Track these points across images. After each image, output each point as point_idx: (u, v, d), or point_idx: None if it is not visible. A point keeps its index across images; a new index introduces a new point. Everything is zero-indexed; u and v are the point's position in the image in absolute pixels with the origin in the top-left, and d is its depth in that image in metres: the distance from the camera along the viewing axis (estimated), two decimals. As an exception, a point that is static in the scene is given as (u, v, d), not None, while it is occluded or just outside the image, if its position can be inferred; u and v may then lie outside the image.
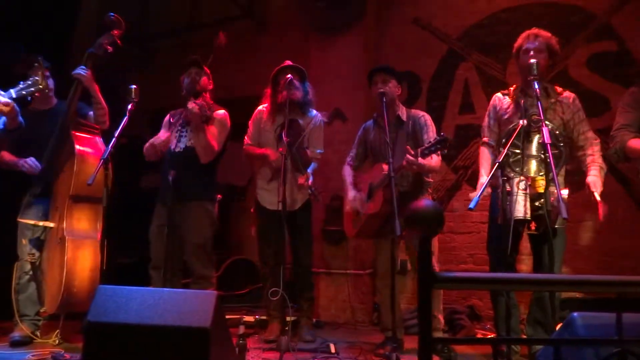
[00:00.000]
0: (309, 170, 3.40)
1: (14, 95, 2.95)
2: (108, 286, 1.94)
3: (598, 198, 2.62)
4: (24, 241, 3.19)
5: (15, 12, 4.30)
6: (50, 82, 3.32)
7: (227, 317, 3.82)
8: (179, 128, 3.35)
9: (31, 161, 3.18)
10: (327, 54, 4.64)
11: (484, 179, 2.91)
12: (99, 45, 3.22)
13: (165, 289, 1.94)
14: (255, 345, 3.17)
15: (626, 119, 2.79)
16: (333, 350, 3.04)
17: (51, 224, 3.11)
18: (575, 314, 1.72)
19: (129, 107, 2.93)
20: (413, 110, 3.33)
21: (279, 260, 3.17)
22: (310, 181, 3.31)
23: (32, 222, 3.17)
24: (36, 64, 3.05)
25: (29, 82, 2.97)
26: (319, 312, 4.25)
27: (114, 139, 2.77)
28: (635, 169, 2.85)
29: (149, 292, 1.92)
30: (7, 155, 3.28)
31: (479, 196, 2.37)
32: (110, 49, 3.24)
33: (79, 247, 2.98)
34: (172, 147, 3.31)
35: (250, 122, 3.59)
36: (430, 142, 2.79)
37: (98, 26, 5.27)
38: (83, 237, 3.02)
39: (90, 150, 3.13)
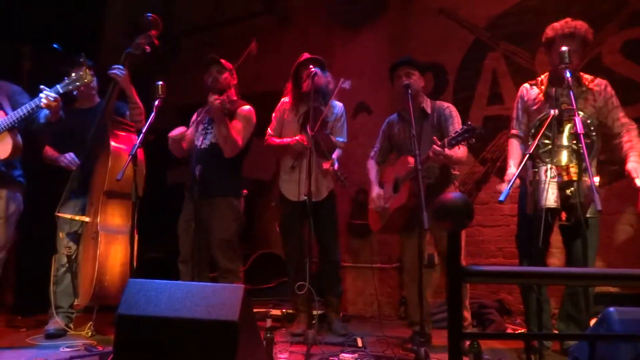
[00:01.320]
0: (334, 157, 3.38)
1: (60, 90, 3.03)
2: (138, 280, 1.97)
3: (639, 184, 2.53)
4: (61, 235, 3.28)
5: (41, 13, 4.39)
6: (94, 81, 3.42)
7: (255, 310, 3.89)
8: (205, 125, 3.39)
9: (70, 156, 3.30)
10: (351, 48, 4.61)
11: (512, 169, 2.85)
12: (137, 45, 3.27)
13: (194, 282, 1.96)
14: (283, 338, 3.18)
15: None
16: (360, 344, 3.03)
17: (87, 219, 3.19)
18: (611, 308, 1.67)
19: (156, 103, 2.94)
20: (438, 102, 3.27)
21: (304, 254, 3.17)
22: (336, 166, 3.29)
23: (69, 216, 3.25)
24: (81, 60, 3.14)
25: (74, 77, 3.05)
26: (346, 306, 4.25)
27: (141, 135, 2.80)
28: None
29: (178, 286, 1.93)
30: (50, 151, 3.42)
31: (509, 188, 2.32)
32: (148, 49, 3.29)
33: (111, 242, 3.04)
34: (198, 144, 3.32)
35: (273, 114, 3.60)
36: (457, 131, 2.74)
37: (125, 25, 5.39)
38: (115, 232, 3.07)
39: (125, 147, 3.20)
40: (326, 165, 3.31)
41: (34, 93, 3.05)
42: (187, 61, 5.64)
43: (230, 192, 3.35)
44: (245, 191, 3.53)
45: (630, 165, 2.63)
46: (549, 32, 2.83)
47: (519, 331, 3.42)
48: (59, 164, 3.32)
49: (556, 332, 2.90)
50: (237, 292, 1.86)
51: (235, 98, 3.43)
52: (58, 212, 3.28)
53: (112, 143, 3.14)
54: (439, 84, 4.50)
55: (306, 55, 3.52)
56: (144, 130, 2.85)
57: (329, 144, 3.39)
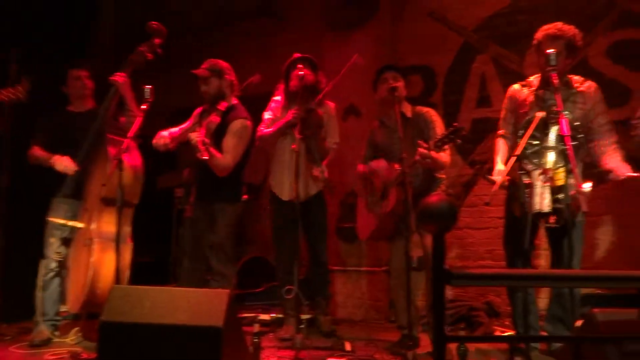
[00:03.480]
0: (324, 164, 3.38)
1: None
2: (122, 286, 1.96)
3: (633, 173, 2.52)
4: (52, 240, 3.24)
5: (32, 16, 4.35)
6: (89, 84, 3.39)
7: (243, 315, 3.88)
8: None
9: (67, 161, 3.21)
10: (342, 50, 4.60)
11: (500, 166, 2.86)
12: (139, 52, 3.25)
13: (178, 288, 1.94)
14: (271, 343, 3.17)
15: None
16: (348, 348, 3.02)
17: (80, 225, 3.15)
18: (595, 310, 1.68)
19: (143, 107, 2.93)
20: (417, 107, 3.28)
21: (293, 257, 3.16)
22: (325, 173, 3.29)
23: (61, 221, 3.21)
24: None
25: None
26: (335, 309, 4.24)
27: (127, 139, 2.78)
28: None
29: (162, 292, 1.92)
30: (39, 151, 3.32)
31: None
32: (150, 56, 3.27)
33: (105, 249, 2.99)
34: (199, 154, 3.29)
35: (264, 112, 3.58)
36: (444, 133, 2.75)
37: (119, 26, 5.35)
38: (110, 239, 3.03)
39: (124, 153, 3.16)
40: (316, 172, 3.31)
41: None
42: (180, 63, 5.60)
43: (226, 198, 3.30)
44: (245, 196, 3.50)
45: (615, 163, 2.64)
46: (538, 34, 2.84)
47: (507, 333, 3.42)
48: (52, 166, 3.24)
49: (544, 333, 2.91)
50: (222, 297, 1.85)
51: (235, 102, 3.37)
52: (50, 217, 3.24)
53: (111, 149, 3.10)
54: (428, 87, 4.51)
55: (297, 55, 3.51)
56: (130, 134, 2.84)
57: (322, 150, 3.39)
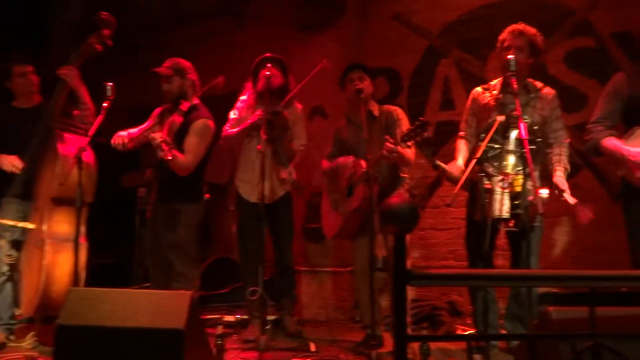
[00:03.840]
0: (291, 165, 3.38)
1: None
2: (79, 288, 1.91)
3: (570, 200, 2.62)
4: (2, 242, 3.12)
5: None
6: (35, 80, 3.27)
7: (208, 317, 3.84)
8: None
9: (12, 159, 3.10)
10: (308, 51, 4.61)
11: (460, 161, 2.92)
12: (88, 44, 3.16)
13: (138, 289, 1.90)
14: (235, 345, 3.14)
15: (604, 111, 2.81)
16: (313, 348, 3.03)
17: (31, 226, 3.05)
18: (550, 308, 1.73)
19: (104, 104, 2.87)
20: (385, 106, 3.33)
21: (258, 258, 3.15)
22: (293, 175, 3.30)
23: (11, 222, 3.09)
24: None
25: None
26: (301, 310, 4.24)
27: (87, 138, 2.71)
28: (611, 164, 2.89)
29: (121, 294, 1.88)
30: None
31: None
32: (100, 48, 3.17)
33: (58, 250, 2.92)
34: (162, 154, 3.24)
35: (230, 112, 3.55)
36: (410, 127, 2.80)
37: (78, 22, 5.20)
38: (63, 240, 2.96)
39: (74, 151, 3.06)
40: (284, 174, 3.30)
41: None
42: (142, 61, 5.50)
43: (189, 198, 3.27)
44: (207, 195, 3.46)
45: (557, 179, 2.76)
46: (503, 34, 2.91)
47: (468, 331, 3.50)
48: None
49: (504, 331, 2.99)
50: (183, 299, 1.83)
51: (196, 102, 3.32)
52: None
53: (61, 147, 3.01)
54: (393, 89, 4.57)
55: (267, 54, 3.50)
56: (90, 133, 2.77)
57: (289, 153, 3.38)
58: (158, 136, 3.05)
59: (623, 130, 2.80)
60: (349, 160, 3.19)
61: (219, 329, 2.64)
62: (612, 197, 3.74)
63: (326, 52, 4.51)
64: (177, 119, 3.23)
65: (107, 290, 1.88)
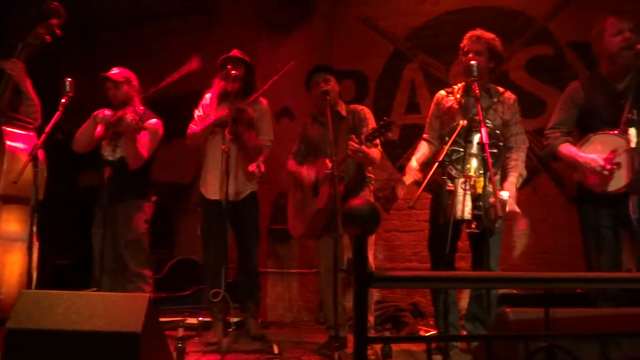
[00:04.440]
0: (260, 158, 3.35)
1: None
2: (31, 291, 1.84)
3: (509, 208, 2.70)
4: None
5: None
6: None
7: (170, 319, 3.76)
8: (114, 137, 3.27)
9: None
10: (276, 51, 4.59)
11: (414, 162, 2.97)
12: (35, 35, 3.03)
13: (93, 292, 1.84)
14: (197, 347, 3.09)
15: (561, 117, 2.91)
16: (276, 350, 3.01)
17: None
18: (507, 309, 1.77)
19: (63, 101, 2.79)
20: (352, 106, 3.35)
21: (222, 260, 3.11)
22: (262, 167, 3.28)
23: None
24: None
25: None
26: (265, 312, 4.20)
27: (44, 134, 2.62)
28: (567, 168, 2.99)
29: (76, 296, 1.82)
30: None
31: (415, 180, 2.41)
32: (48, 39, 3.06)
33: (7, 250, 2.80)
34: (110, 157, 3.25)
35: (196, 109, 3.51)
36: (374, 127, 2.82)
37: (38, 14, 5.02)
38: (13, 240, 2.84)
39: (22, 146, 2.95)
40: (252, 168, 3.28)
41: None
42: (107, 58, 5.37)
43: (138, 196, 3.29)
44: (154, 197, 3.43)
45: (507, 184, 2.85)
46: (464, 40, 2.98)
47: (430, 332, 3.54)
48: None
49: (464, 332, 3.04)
50: (140, 301, 1.78)
51: (141, 108, 3.34)
52: None
53: (7, 142, 2.89)
54: (360, 92, 4.60)
55: (235, 52, 3.46)
56: (47, 129, 2.68)
57: (256, 147, 3.35)
58: (131, 115, 3.08)
59: (577, 136, 2.90)
60: (310, 174, 3.21)
61: (180, 332, 2.59)
62: (568, 200, 3.86)
63: (294, 53, 4.50)
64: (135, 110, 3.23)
65: (61, 292, 1.82)
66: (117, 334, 1.72)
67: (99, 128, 3.29)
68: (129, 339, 1.71)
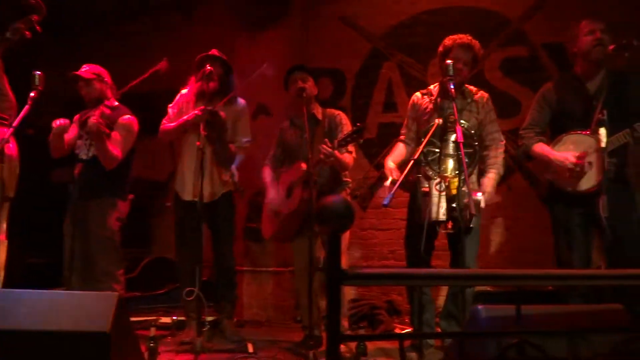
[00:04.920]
0: (234, 165, 3.33)
1: None
2: (-5, 289, 1.77)
3: (482, 204, 2.72)
4: None
5: None
6: None
7: (144, 318, 3.70)
8: (88, 136, 3.23)
9: None
10: (253, 49, 4.56)
11: (390, 163, 2.97)
12: (14, 30, 2.95)
13: (60, 291, 1.79)
14: (170, 347, 3.04)
15: (534, 118, 2.95)
16: (251, 349, 2.98)
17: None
18: (479, 307, 1.77)
19: (32, 94, 2.72)
20: (328, 110, 3.35)
21: (196, 258, 3.07)
22: (236, 177, 3.26)
23: None
24: None
25: None
26: (241, 311, 4.17)
27: (11, 129, 2.55)
28: (539, 168, 3.03)
29: (41, 295, 1.77)
30: None
31: (393, 193, 2.41)
32: (28, 34, 2.98)
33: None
34: (83, 155, 3.21)
35: (170, 106, 3.47)
36: (346, 132, 2.82)
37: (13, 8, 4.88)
38: (-20, 237, 2.76)
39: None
40: (226, 177, 3.27)
41: None
42: (85, 55, 5.25)
43: (113, 193, 3.23)
44: (131, 195, 3.37)
45: (484, 180, 2.89)
46: (447, 41, 2.96)
47: (406, 330, 3.56)
48: None
49: (439, 330, 3.06)
50: (109, 300, 1.74)
51: (115, 104, 3.30)
52: None
53: None
54: (338, 90, 4.59)
55: (213, 51, 3.42)
56: (15, 124, 2.61)
57: (229, 154, 3.32)
58: (94, 119, 3.03)
59: (550, 136, 2.94)
60: (275, 199, 3.21)
61: (152, 331, 2.55)
62: (541, 199, 3.91)
63: (271, 51, 4.47)
64: (105, 110, 3.18)
65: (26, 291, 1.76)
66: (84, 334, 1.67)
67: (72, 130, 3.26)
68: (98, 339, 1.67)
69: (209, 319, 3.37)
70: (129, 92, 3.46)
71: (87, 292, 1.69)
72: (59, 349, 1.68)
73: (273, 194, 3.24)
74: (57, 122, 3.13)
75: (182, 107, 3.40)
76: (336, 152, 2.85)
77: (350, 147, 3.08)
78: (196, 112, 3.20)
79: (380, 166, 4.46)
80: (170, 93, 3.71)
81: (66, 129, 3.18)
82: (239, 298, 3.93)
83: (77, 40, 5.51)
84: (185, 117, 3.27)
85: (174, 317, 3.63)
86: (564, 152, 2.76)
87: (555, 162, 2.74)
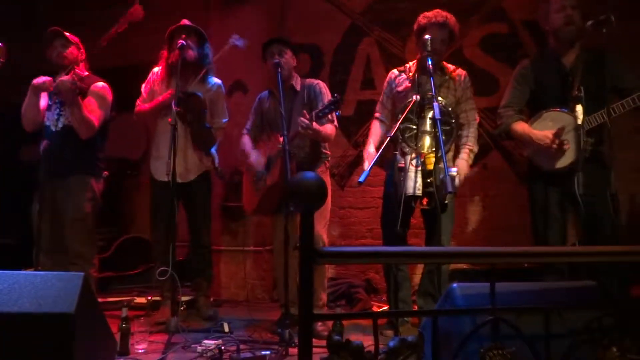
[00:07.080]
0: (213, 150, 3.26)
1: None
2: (-48, 271, 1.69)
3: (456, 182, 2.72)
4: None
5: None
6: None
7: (118, 299, 3.63)
8: (57, 106, 3.09)
9: None
10: (229, 23, 4.41)
11: (371, 148, 2.94)
12: None
13: (22, 272, 1.72)
14: (144, 328, 2.98)
15: (513, 96, 2.92)
16: (227, 329, 2.95)
17: None
18: (454, 284, 1.77)
19: (-6, 68, 2.59)
20: (307, 80, 3.26)
21: (170, 237, 3.00)
22: (216, 162, 3.21)
23: None
24: None
25: None
26: (219, 290, 4.14)
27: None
28: (518, 146, 3.02)
29: (2, 276, 1.69)
30: None
31: (369, 171, 2.38)
32: None
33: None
34: (50, 125, 3.08)
35: (143, 84, 3.35)
36: (323, 103, 2.77)
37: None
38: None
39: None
40: (207, 162, 3.23)
41: None
42: (49, 25, 5.04)
43: (86, 170, 3.10)
44: (106, 173, 3.26)
45: (459, 162, 2.89)
46: (422, 19, 2.91)
47: (383, 308, 3.57)
48: None
49: (416, 307, 3.07)
50: (74, 281, 1.67)
51: (86, 73, 3.17)
52: None
53: None
54: (315, 66, 4.50)
55: (184, 21, 3.29)
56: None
57: (209, 137, 3.23)
58: (68, 77, 2.91)
59: (528, 114, 2.93)
60: (260, 161, 3.13)
61: (124, 312, 2.50)
62: (518, 178, 3.93)
63: (247, 24, 4.35)
64: (78, 73, 3.06)
65: (-14, 272, 1.69)
66: (47, 315, 1.61)
67: (43, 100, 3.10)
68: (62, 321, 1.61)
69: (185, 298, 3.33)
70: (98, 68, 3.34)
71: (52, 272, 1.62)
72: (21, 331, 1.62)
73: (255, 158, 3.16)
74: (40, 80, 3.00)
75: (156, 86, 3.29)
76: (315, 123, 2.80)
77: (332, 117, 3.02)
78: (170, 93, 3.10)
79: (359, 144, 4.42)
80: (141, 67, 3.59)
81: (47, 87, 3.02)
82: (216, 277, 3.89)
83: (39, 11, 5.30)
84: (160, 98, 3.17)
85: (149, 297, 3.58)
86: (543, 129, 2.75)
87: (536, 141, 2.74)
